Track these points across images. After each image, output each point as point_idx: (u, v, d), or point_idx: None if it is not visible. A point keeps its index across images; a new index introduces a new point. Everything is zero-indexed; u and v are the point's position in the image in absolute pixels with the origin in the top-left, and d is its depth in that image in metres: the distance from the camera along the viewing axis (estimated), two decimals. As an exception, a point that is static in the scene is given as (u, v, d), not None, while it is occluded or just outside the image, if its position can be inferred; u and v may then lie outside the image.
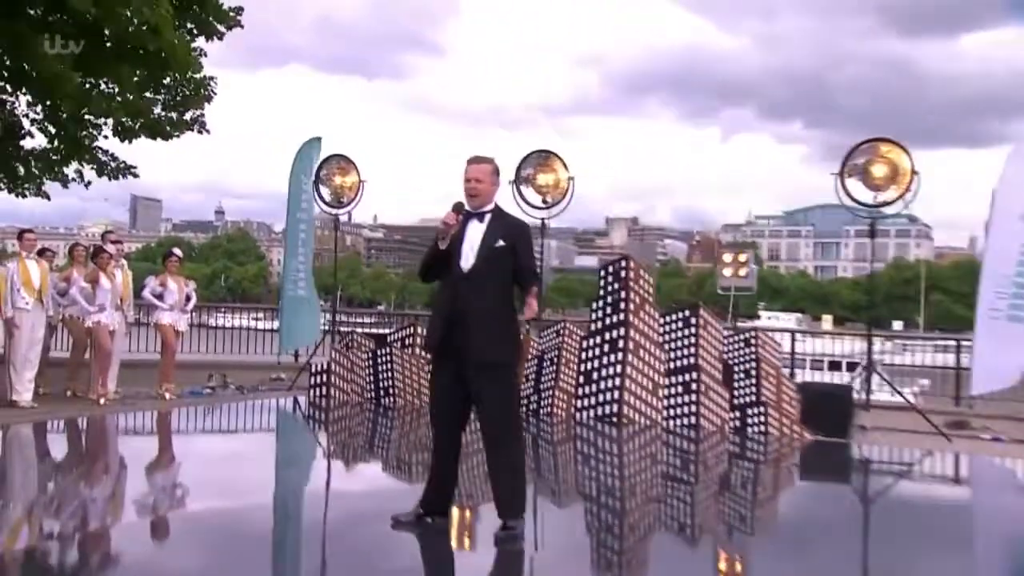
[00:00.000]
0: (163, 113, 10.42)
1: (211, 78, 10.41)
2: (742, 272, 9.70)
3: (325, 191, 10.25)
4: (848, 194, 7.88)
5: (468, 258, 3.66)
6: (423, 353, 8.01)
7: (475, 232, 3.71)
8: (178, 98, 10.40)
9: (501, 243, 3.66)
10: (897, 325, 71.22)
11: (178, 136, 10.37)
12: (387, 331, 9.86)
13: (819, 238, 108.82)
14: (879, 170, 7.87)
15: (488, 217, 3.73)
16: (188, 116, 10.57)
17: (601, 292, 7.90)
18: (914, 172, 7.86)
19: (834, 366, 14.20)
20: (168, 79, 10.15)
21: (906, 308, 79.44)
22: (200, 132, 10.62)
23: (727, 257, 10.02)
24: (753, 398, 7.50)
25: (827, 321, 66.88)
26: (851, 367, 13.96)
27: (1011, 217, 7.60)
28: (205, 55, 10.45)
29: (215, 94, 10.53)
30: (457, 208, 3.71)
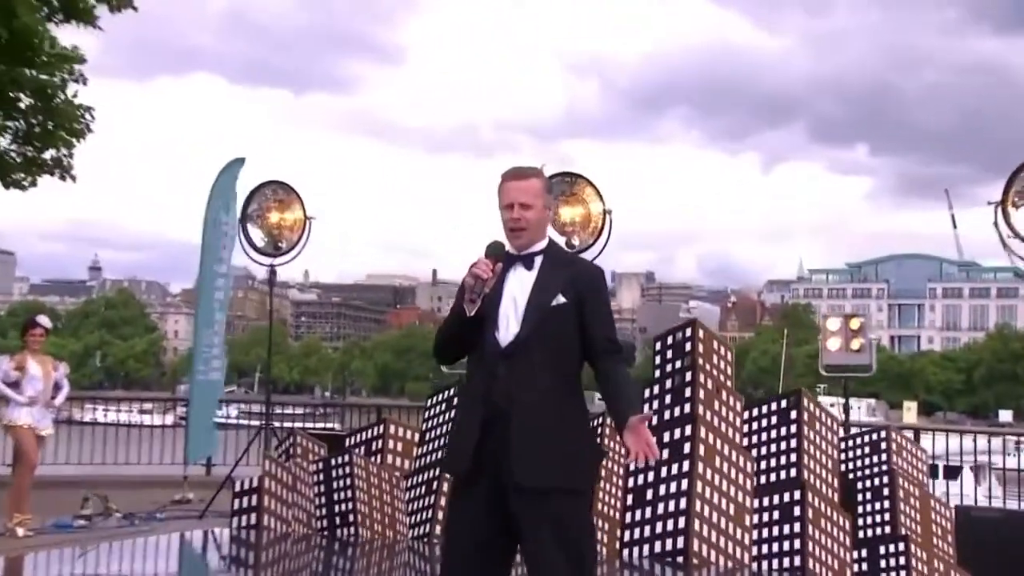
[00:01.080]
0: (13, 148, 10.03)
1: (86, 108, 10.04)
2: (855, 345, 9.45)
3: (256, 232, 10.09)
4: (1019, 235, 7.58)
5: (509, 325, 3.49)
6: (438, 474, 7.65)
7: (520, 285, 3.55)
8: (35, 129, 10.01)
9: (561, 299, 3.49)
10: (1005, 415, 71.59)
11: (29, 185, 9.97)
12: (341, 430, 9.43)
13: (896, 299, 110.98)
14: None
15: (540, 261, 3.58)
16: (48, 155, 10.19)
17: (657, 373, 7.53)
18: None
19: (951, 472, 14.03)
20: (24, 98, 9.74)
21: (1016, 392, 79.82)
22: (63, 178, 10.24)
23: (833, 324, 9.80)
24: (887, 529, 7.29)
25: (910, 410, 67.16)
26: (951, 472, 13.74)
27: None
28: (84, 60, 10.04)
29: (91, 130, 10.18)
30: (494, 251, 3.53)
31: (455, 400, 7.91)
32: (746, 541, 7.28)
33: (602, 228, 8.91)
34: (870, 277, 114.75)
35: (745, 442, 7.54)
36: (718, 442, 7.37)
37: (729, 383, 7.59)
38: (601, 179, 8.95)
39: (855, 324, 9.58)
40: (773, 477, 7.45)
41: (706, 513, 7.20)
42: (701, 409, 7.39)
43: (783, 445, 7.54)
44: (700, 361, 7.42)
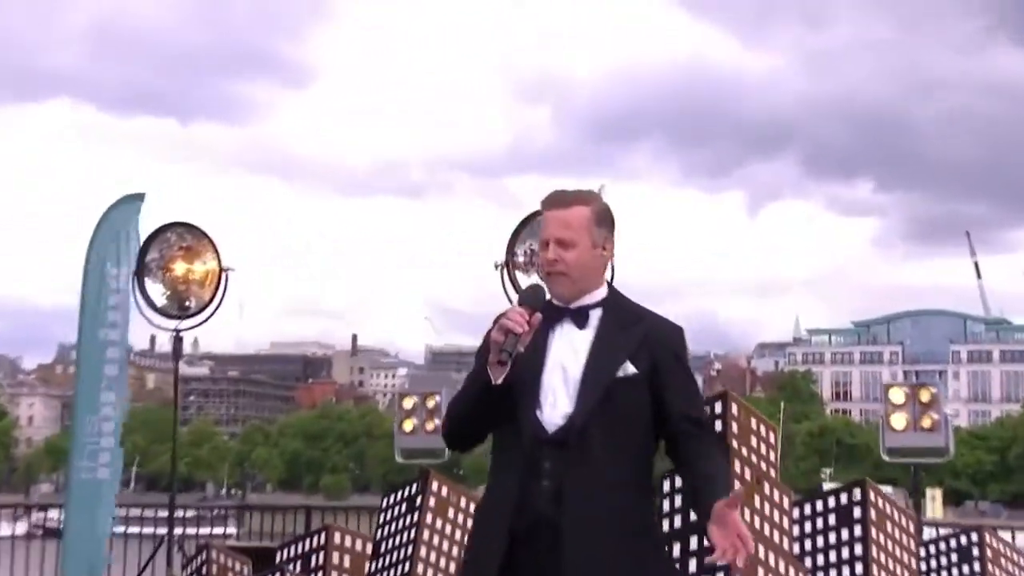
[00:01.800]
0: None
1: None
2: (927, 422, 9.27)
3: (156, 288, 9.89)
4: None
5: (558, 403, 3.32)
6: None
7: (570, 348, 3.38)
8: None
9: (631, 368, 3.33)
10: (1051, 505, 71.99)
11: None
12: (239, 536, 9.11)
13: (913, 364, 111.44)
14: None
15: (597, 316, 3.42)
16: None
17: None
18: None
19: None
20: None
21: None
22: None
23: (897, 396, 9.54)
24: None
25: (934, 498, 67.15)
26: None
27: None
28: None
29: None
30: (531, 299, 3.37)
31: (472, 509, 7.49)
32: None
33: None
34: (881, 338, 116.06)
35: (796, 549, 7.29)
36: (761, 549, 7.09)
37: (773, 473, 7.34)
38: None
39: (926, 396, 9.39)
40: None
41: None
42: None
43: (845, 552, 7.37)
44: (735, 444, 7.18)
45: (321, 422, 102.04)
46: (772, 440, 7.42)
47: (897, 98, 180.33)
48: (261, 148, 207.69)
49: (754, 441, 7.29)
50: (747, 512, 7.17)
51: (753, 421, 7.38)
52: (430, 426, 9.79)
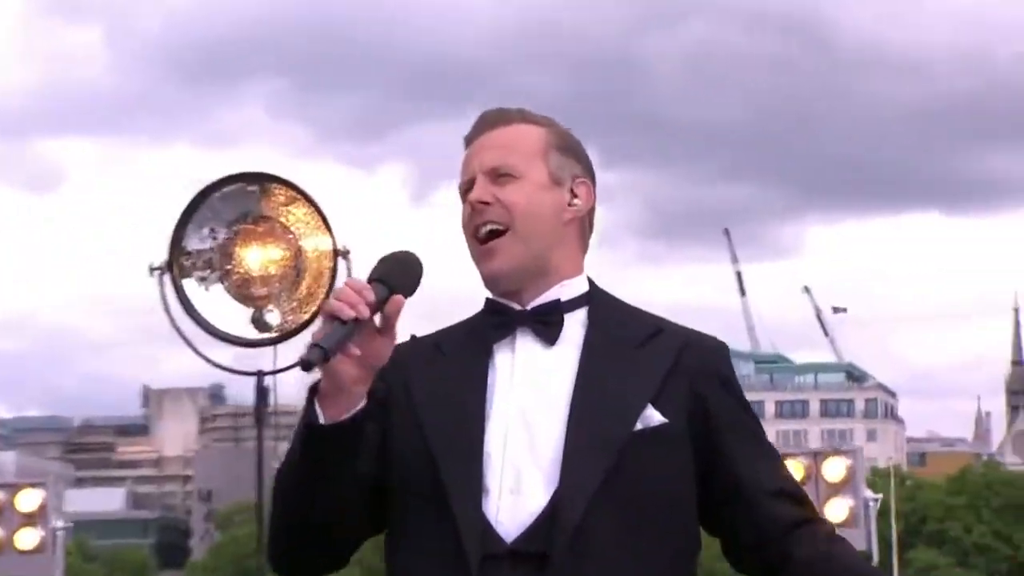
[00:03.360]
0: None
1: None
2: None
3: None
4: None
5: (521, 486, 2.33)
6: None
7: (531, 381, 2.40)
8: None
9: (656, 419, 2.36)
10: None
11: None
12: None
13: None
14: None
15: (581, 321, 2.46)
16: None
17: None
18: None
19: None
20: None
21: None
22: None
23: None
24: None
25: None
26: None
27: None
28: None
29: None
30: (392, 272, 2.35)
31: None
32: None
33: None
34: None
35: None
36: None
37: None
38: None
39: None
40: None
41: None
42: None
43: None
44: None
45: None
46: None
47: (621, 34, 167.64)
48: None
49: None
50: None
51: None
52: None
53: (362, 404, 2.26)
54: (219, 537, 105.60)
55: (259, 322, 7.31)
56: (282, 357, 7.38)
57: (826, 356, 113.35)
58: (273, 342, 7.32)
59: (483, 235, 2.40)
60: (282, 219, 7.39)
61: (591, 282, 2.51)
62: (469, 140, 2.52)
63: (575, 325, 2.43)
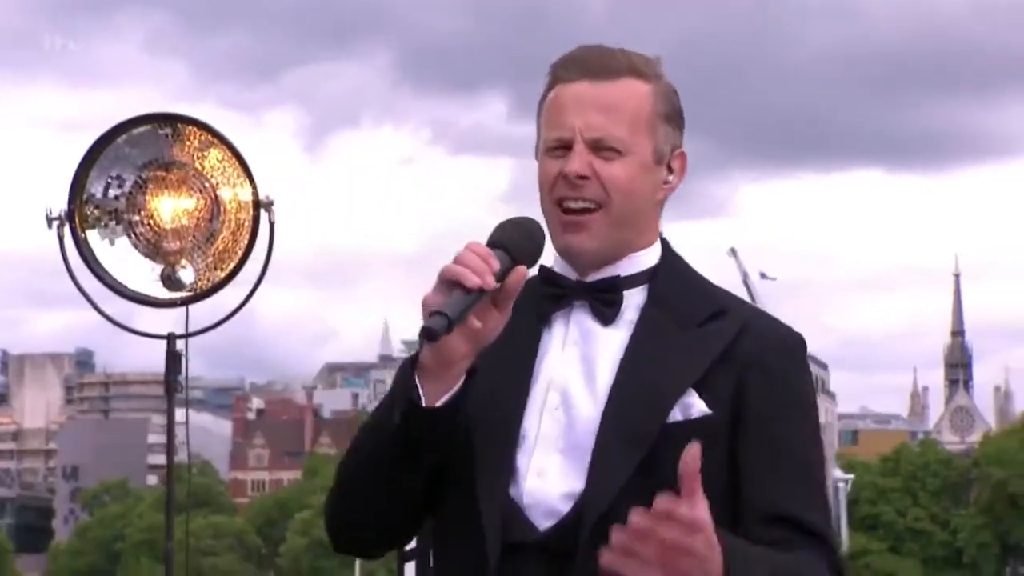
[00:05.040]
0: None
1: None
2: None
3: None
4: None
5: (549, 471, 2.40)
6: None
7: (579, 359, 2.46)
8: None
9: (700, 408, 2.40)
10: None
11: None
12: None
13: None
14: None
15: (641, 300, 2.49)
16: None
17: None
18: None
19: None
20: None
21: None
22: None
23: None
24: None
25: None
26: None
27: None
28: None
29: None
30: (516, 239, 2.39)
31: None
32: None
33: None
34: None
35: None
36: None
37: None
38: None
39: None
40: None
41: None
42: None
43: None
44: None
45: None
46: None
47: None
48: None
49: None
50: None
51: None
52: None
53: (461, 383, 2.27)
54: (85, 518, 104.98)
55: (170, 280, 7.21)
56: (195, 320, 7.26)
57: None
58: (185, 302, 7.22)
59: (571, 212, 2.41)
60: (197, 165, 7.22)
61: (665, 247, 2.54)
62: (564, 80, 2.48)
63: (635, 300, 2.47)
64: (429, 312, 2.25)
